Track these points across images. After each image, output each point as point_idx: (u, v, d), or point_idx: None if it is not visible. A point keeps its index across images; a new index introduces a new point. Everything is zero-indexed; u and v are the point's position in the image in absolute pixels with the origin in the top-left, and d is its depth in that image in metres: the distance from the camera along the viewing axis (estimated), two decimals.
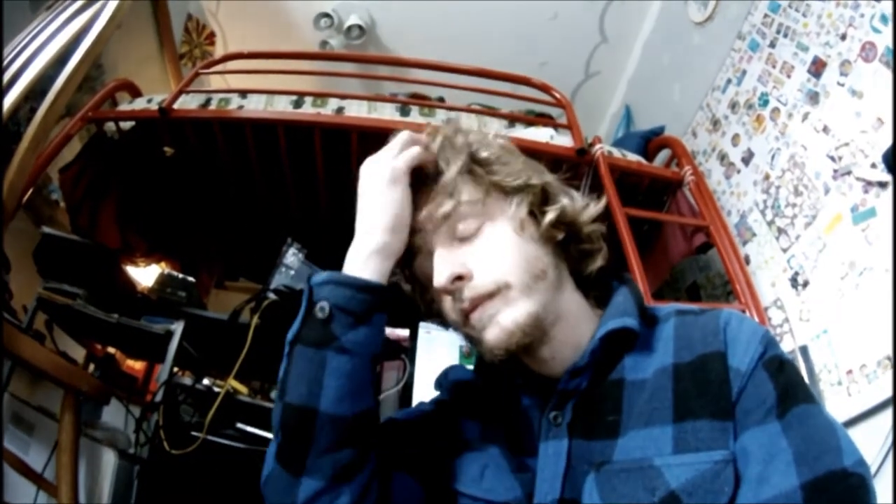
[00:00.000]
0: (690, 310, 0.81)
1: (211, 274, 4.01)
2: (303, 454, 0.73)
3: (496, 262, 0.77)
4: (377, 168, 0.82)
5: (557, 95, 3.06)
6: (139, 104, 2.94)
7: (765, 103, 2.71)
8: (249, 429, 2.44)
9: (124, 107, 2.97)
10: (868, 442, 1.72)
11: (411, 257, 0.83)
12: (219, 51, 4.46)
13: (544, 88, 3.08)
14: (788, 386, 0.69)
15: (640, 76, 4.33)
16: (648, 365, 0.76)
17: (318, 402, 0.72)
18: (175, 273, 2.73)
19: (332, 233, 3.25)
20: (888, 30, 2.04)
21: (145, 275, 3.38)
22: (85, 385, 2.27)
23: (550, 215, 0.81)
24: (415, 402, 2.73)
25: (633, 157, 2.98)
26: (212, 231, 3.58)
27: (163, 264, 3.50)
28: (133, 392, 2.95)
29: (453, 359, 2.70)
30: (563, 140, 2.85)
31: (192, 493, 2.33)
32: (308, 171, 2.98)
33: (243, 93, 2.89)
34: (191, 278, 2.72)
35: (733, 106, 2.99)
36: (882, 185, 1.94)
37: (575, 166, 2.73)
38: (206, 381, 2.56)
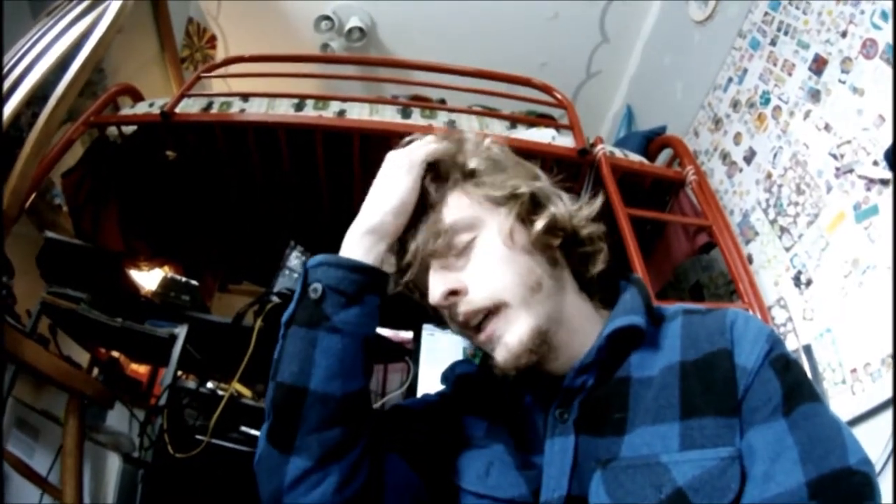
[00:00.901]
0: (697, 309, 0.82)
1: (214, 277, 4.01)
2: (292, 433, 0.73)
3: (489, 277, 0.78)
4: (397, 157, 0.84)
5: (559, 96, 3.06)
6: (141, 108, 2.94)
7: (766, 102, 2.70)
8: (254, 432, 2.44)
9: (126, 111, 2.97)
10: (872, 440, 1.71)
11: (410, 270, 0.84)
12: (220, 54, 4.46)
13: (545, 89, 3.08)
14: (794, 384, 0.69)
15: (642, 76, 4.32)
16: (655, 363, 0.76)
17: (309, 380, 0.73)
18: (178, 277, 2.73)
19: (334, 235, 3.25)
20: (888, 26, 2.03)
21: (149, 279, 3.39)
22: (89, 389, 2.28)
23: (539, 223, 0.81)
24: None
25: (635, 158, 2.98)
26: (215, 234, 3.58)
27: (166, 268, 3.50)
28: (137, 396, 2.96)
29: (455, 359, 2.70)
30: (565, 141, 2.85)
31: (196, 497, 2.34)
32: (310, 173, 2.98)
33: (245, 96, 2.89)
34: (194, 282, 2.72)
35: (735, 105, 2.98)
36: (884, 182, 1.93)
37: (577, 167, 2.73)
38: (210, 385, 2.57)
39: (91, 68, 2.28)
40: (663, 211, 3.01)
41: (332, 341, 0.74)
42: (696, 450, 0.67)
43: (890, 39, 2.02)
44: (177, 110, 2.79)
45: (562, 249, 0.84)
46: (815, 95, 2.38)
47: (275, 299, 2.46)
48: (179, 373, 2.53)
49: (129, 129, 2.90)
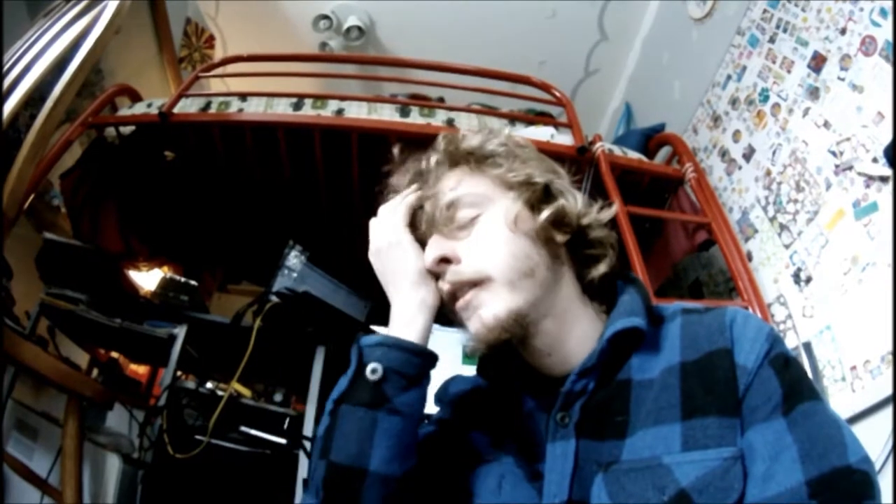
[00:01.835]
0: (696, 308, 0.81)
1: (213, 277, 4.01)
2: None
3: (483, 252, 0.80)
4: (380, 226, 0.87)
5: (557, 94, 3.06)
6: (139, 109, 2.94)
7: (765, 99, 2.70)
8: (253, 432, 2.44)
9: (124, 112, 2.97)
10: (872, 438, 1.71)
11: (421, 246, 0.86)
12: (218, 54, 4.46)
13: (544, 87, 3.08)
14: (794, 383, 0.69)
15: (640, 73, 4.32)
16: (655, 364, 0.76)
17: (369, 461, 0.73)
18: (177, 277, 2.74)
19: (333, 234, 3.25)
20: (888, 23, 2.03)
21: (148, 279, 3.39)
22: (88, 390, 2.27)
23: (546, 213, 0.82)
24: None
25: (634, 155, 2.98)
26: (214, 234, 3.58)
27: (165, 268, 3.50)
28: (136, 396, 2.96)
29: (456, 359, 2.70)
30: (564, 138, 2.85)
31: (196, 497, 2.33)
32: (309, 172, 2.98)
33: (243, 96, 2.89)
34: (193, 282, 2.72)
35: (734, 102, 2.98)
36: (883, 179, 1.93)
37: (576, 165, 2.72)
38: (209, 385, 2.57)
39: (89, 69, 2.28)
40: (662, 208, 3.01)
41: (393, 423, 0.75)
42: (699, 450, 0.67)
43: (889, 36, 2.01)
44: (175, 110, 2.79)
45: (567, 248, 0.84)
46: (814, 93, 2.37)
47: (274, 299, 2.46)
48: (179, 373, 2.53)
49: (127, 130, 2.90)
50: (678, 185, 2.94)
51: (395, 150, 0.96)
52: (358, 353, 0.78)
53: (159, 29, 3.77)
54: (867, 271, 1.93)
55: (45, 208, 2.87)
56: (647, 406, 0.72)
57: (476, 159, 0.86)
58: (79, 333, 2.72)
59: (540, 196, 0.83)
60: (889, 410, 1.74)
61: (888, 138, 1.91)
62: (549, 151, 2.65)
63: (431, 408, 0.97)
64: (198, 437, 2.26)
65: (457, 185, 0.84)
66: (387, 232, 0.86)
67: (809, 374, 2.01)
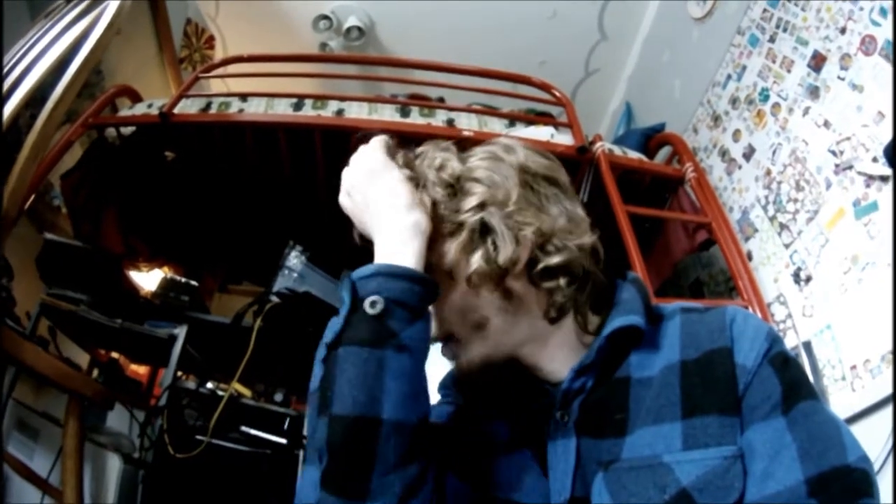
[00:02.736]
0: (696, 307, 0.81)
1: (214, 278, 4.01)
2: (365, 475, 0.64)
3: (441, 311, 0.78)
4: (363, 160, 0.82)
5: (557, 94, 3.06)
6: (140, 109, 2.94)
7: (765, 98, 2.70)
8: (253, 432, 2.44)
9: (125, 112, 2.97)
10: (872, 437, 1.71)
11: None
12: (218, 54, 4.46)
13: (544, 87, 3.08)
14: (793, 382, 0.69)
15: (640, 73, 4.32)
16: (654, 363, 0.75)
17: (381, 408, 0.65)
18: (178, 277, 2.74)
19: (333, 235, 3.25)
20: (887, 23, 2.03)
21: (148, 279, 3.39)
22: (89, 390, 2.28)
23: (473, 261, 0.76)
24: None
25: (634, 155, 2.98)
26: (214, 235, 3.58)
27: (165, 269, 3.51)
28: (137, 396, 2.96)
29: None
30: (564, 138, 2.85)
31: (196, 497, 2.34)
32: (309, 173, 2.98)
33: (243, 96, 2.89)
34: (194, 282, 2.73)
35: (734, 102, 2.98)
36: (884, 179, 1.93)
37: (576, 164, 2.73)
38: (209, 385, 2.57)
39: (89, 70, 2.28)
40: (663, 208, 3.01)
41: (402, 361, 0.67)
42: (700, 449, 0.67)
43: (889, 35, 2.01)
44: (175, 111, 2.79)
45: (526, 273, 0.78)
46: (814, 92, 2.37)
47: (274, 299, 2.46)
48: (179, 373, 2.53)
49: (127, 130, 2.90)
50: (678, 185, 2.94)
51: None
52: (350, 287, 0.70)
53: (159, 29, 3.77)
54: (867, 270, 1.93)
55: (46, 209, 2.87)
56: (646, 404, 0.72)
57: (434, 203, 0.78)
58: (79, 334, 2.72)
59: (471, 238, 0.76)
60: (890, 409, 1.74)
61: (888, 137, 1.91)
62: (549, 151, 2.67)
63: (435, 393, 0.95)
64: (198, 437, 2.26)
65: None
66: (368, 161, 0.79)
67: (809, 374, 2.02)
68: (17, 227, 2.19)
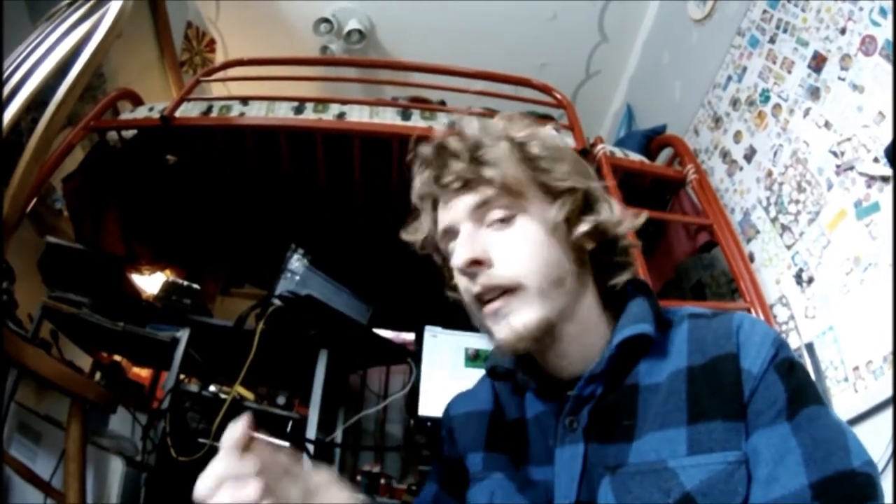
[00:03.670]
0: (703, 313, 0.82)
1: (216, 281, 4.01)
2: None
3: (518, 258, 0.77)
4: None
5: (558, 96, 3.06)
6: (141, 113, 2.94)
7: (766, 99, 2.70)
8: (255, 435, 2.44)
9: (126, 116, 2.97)
10: (875, 438, 1.71)
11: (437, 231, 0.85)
12: (219, 58, 4.47)
13: (545, 89, 3.08)
14: (799, 388, 0.69)
15: (641, 75, 4.33)
16: (663, 369, 0.76)
17: None
18: (180, 280, 2.74)
19: (335, 238, 3.25)
20: (887, 23, 2.03)
21: (150, 282, 3.39)
22: (91, 393, 2.28)
23: (584, 227, 0.80)
24: (421, 406, 2.71)
25: (636, 157, 2.98)
26: (216, 238, 3.58)
27: (167, 272, 3.51)
28: (139, 400, 2.96)
29: (459, 362, 2.70)
30: (565, 141, 2.84)
31: None
32: (310, 176, 2.99)
33: (244, 100, 2.89)
34: (196, 285, 2.73)
35: (734, 103, 2.98)
36: (885, 179, 1.93)
37: None
38: (212, 388, 2.57)
39: (91, 73, 2.28)
40: (664, 210, 3.01)
41: None
42: (704, 454, 0.67)
43: (889, 36, 2.01)
44: (176, 114, 2.79)
45: (592, 253, 0.83)
46: (814, 93, 2.38)
47: (276, 302, 2.46)
48: (182, 376, 2.53)
49: (129, 134, 2.90)
50: (680, 187, 2.94)
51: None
52: None
53: (160, 32, 3.77)
54: (869, 271, 1.93)
55: (48, 212, 2.87)
56: (654, 410, 0.73)
57: (521, 156, 0.82)
58: (82, 337, 2.73)
59: (580, 205, 0.81)
60: (890, 411, 1.74)
61: (889, 138, 1.91)
62: None
63: (438, 396, 0.99)
64: (201, 440, 2.26)
65: (498, 175, 0.79)
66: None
67: (812, 375, 2.01)
68: (19, 231, 2.19)
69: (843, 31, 2.25)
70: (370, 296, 2.80)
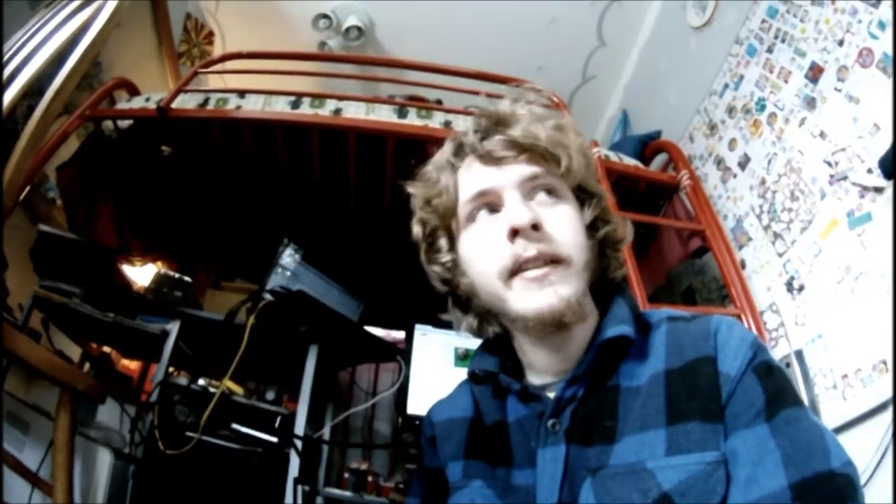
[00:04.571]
0: (682, 316, 0.83)
1: (208, 274, 4.01)
2: None
3: (570, 234, 0.81)
4: None
5: (555, 99, 3.07)
6: (137, 103, 2.94)
7: (762, 108, 2.72)
8: (244, 429, 2.43)
9: (122, 105, 2.96)
10: (864, 445, 1.72)
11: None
12: (217, 50, 4.46)
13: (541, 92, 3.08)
14: (777, 390, 0.70)
15: (638, 80, 4.34)
16: (642, 372, 0.77)
17: None
18: (171, 273, 2.73)
19: (328, 234, 3.25)
20: (885, 35, 2.05)
21: (142, 274, 3.38)
22: (81, 384, 2.27)
23: (604, 230, 0.86)
24: (410, 404, 2.70)
25: (630, 161, 2.99)
26: (209, 231, 3.58)
27: (159, 264, 3.49)
28: (128, 391, 2.95)
29: (448, 361, 2.70)
30: None
31: (187, 493, 2.33)
32: (305, 171, 2.99)
33: (241, 93, 2.89)
34: (187, 278, 2.71)
35: (730, 110, 3.00)
36: (878, 190, 1.94)
37: None
38: (201, 382, 2.56)
39: (88, 62, 2.27)
40: (657, 215, 3.03)
41: None
42: (682, 455, 0.68)
43: (886, 48, 2.03)
44: (173, 105, 2.78)
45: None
46: (810, 103, 2.39)
47: (267, 297, 2.46)
48: (171, 369, 2.52)
49: (125, 124, 2.89)
50: (673, 192, 2.96)
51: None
52: None
53: (159, 23, 3.76)
54: (860, 280, 1.95)
55: (41, 200, 2.86)
56: (634, 412, 0.74)
57: (583, 154, 0.87)
58: (72, 327, 2.71)
59: (601, 212, 0.87)
60: (881, 418, 1.76)
61: (883, 149, 1.92)
62: None
63: (427, 395, 1.00)
64: (189, 433, 2.25)
65: (562, 162, 0.83)
66: None
67: (801, 383, 2.03)
68: (11, 218, 2.18)
69: (840, 43, 2.27)
70: (360, 292, 2.80)
